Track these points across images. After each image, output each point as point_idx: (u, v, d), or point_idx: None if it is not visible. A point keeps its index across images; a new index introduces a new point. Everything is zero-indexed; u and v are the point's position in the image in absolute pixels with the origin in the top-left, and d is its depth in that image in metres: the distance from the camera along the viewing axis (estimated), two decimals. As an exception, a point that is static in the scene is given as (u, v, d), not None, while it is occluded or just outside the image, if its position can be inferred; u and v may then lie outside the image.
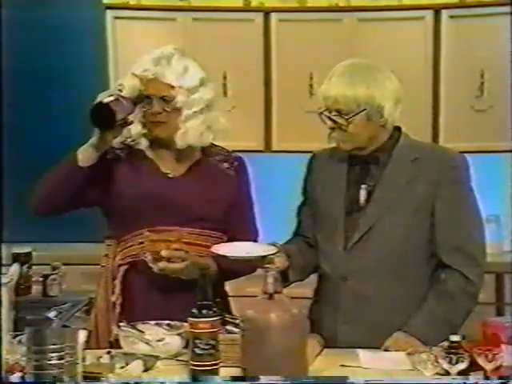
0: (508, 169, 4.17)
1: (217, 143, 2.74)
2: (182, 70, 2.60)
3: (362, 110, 2.45)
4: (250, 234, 2.72)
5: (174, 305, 2.52)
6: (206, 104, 2.63)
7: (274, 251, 2.42)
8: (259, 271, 2.27)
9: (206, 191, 2.66)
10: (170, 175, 2.68)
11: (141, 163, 2.67)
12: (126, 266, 2.64)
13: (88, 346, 2.42)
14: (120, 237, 2.65)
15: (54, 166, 2.62)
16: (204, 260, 2.56)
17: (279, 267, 2.41)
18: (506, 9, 4.05)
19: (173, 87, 2.59)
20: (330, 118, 2.49)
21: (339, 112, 2.46)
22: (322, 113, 2.50)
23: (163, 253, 2.50)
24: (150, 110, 2.60)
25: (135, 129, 2.63)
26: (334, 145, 2.57)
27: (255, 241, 2.72)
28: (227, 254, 2.45)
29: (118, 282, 2.63)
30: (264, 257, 2.39)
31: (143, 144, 2.67)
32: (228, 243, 2.56)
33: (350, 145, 2.51)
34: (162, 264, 2.50)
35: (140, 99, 2.60)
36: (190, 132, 2.61)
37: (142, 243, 2.59)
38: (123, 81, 2.65)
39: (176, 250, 2.51)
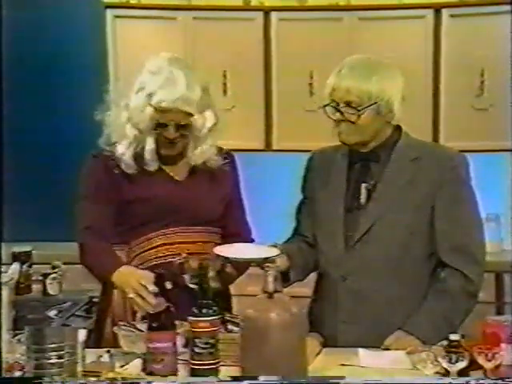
0: (508, 168, 4.16)
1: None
2: (196, 95, 2.56)
3: (373, 103, 2.45)
4: (245, 229, 2.78)
5: (185, 306, 2.47)
6: (213, 110, 2.63)
7: (276, 253, 2.43)
8: (259, 271, 2.27)
9: (211, 190, 2.68)
10: (177, 178, 2.69)
11: (148, 170, 2.66)
12: None
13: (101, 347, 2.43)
14: (130, 241, 2.66)
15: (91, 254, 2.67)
16: (230, 269, 2.55)
17: (279, 267, 2.41)
18: (507, 8, 4.04)
19: (191, 114, 2.57)
20: (338, 110, 2.47)
21: (348, 104, 2.46)
22: (327, 105, 2.49)
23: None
24: (164, 134, 2.59)
25: (149, 147, 2.61)
26: (337, 142, 2.55)
27: (250, 235, 2.77)
28: (230, 256, 2.45)
29: None
30: (266, 259, 2.38)
31: (154, 166, 2.64)
32: (229, 245, 2.56)
33: (356, 138, 2.50)
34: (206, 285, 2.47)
35: (154, 127, 2.58)
36: (207, 151, 2.63)
37: (160, 245, 2.62)
38: (128, 112, 2.60)
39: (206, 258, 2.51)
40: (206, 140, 2.62)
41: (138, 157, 2.63)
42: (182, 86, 2.54)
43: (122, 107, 2.63)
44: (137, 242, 2.65)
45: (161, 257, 2.63)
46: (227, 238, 2.69)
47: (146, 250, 2.64)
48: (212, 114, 2.62)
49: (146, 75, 2.60)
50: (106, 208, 2.64)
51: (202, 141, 2.62)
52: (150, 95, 2.56)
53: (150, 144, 2.61)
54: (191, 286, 2.47)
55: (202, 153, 2.63)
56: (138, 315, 2.56)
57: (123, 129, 2.62)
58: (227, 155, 2.76)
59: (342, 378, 2.11)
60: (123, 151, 2.62)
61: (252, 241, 2.76)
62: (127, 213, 2.65)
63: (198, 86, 2.58)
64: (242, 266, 2.56)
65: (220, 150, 2.75)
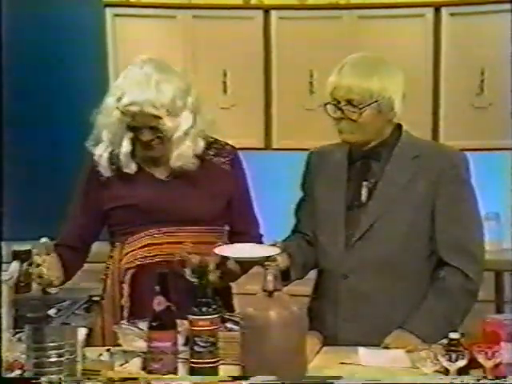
0: (508, 166, 4.16)
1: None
2: (166, 97, 2.52)
3: (374, 101, 2.45)
4: (252, 224, 2.77)
5: (184, 305, 2.45)
6: (193, 112, 2.59)
7: (277, 252, 2.42)
8: (259, 269, 2.27)
9: (199, 189, 2.66)
10: (160, 177, 2.67)
11: (132, 174, 2.66)
12: (133, 270, 2.64)
13: (93, 344, 2.43)
14: (123, 240, 2.67)
15: None
16: (233, 265, 2.55)
17: (279, 265, 2.41)
18: (507, 6, 4.05)
19: (159, 117, 2.54)
20: (339, 108, 2.46)
21: (350, 102, 2.45)
22: (328, 103, 2.48)
23: (212, 262, 2.48)
24: (139, 136, 2.57)
25: (125, 150, 2.60)
26: (337, 140, 2.55)
27: (258, 230, 2.77)
28: (231, 256, 2.45)
29: (126, 286, 2.64)
30: (267, 258, 2.38)
31: (132, 168, 2.64)
32: (230, 244, 2.57)
33: (357, 136, 2.50)
34: (212, 277, 2.47)
35: (127, 129, 2.57)
36: (184, 153, 2.60)
37: (149, 245, 2.63)
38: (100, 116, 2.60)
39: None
40: (182, 143, 2.58)
41: (116, 159, 2.64)
42: (150, 89, 2.51)
43: (100, 110, 2.62)
44: (127, 241, 2.66)
45: (147, 257, 2.63)
46: (234, 236, 2.70)
47: (134, 250, 2.65)
48: (189, 116, 2.58)
49: (119, 79, 2.60)
50: (85, 218, 2.71)
51: (177, 144, 2.58)
52: (118, 98, 2.55)
53: (125, 146, 2.60)
54: (192, 279, 2.47)
55: (178, 156, 2.60)
56: (125, 312, 2.60)
57: (100, 131, 2.63)
58: (229, 152, 2.73)
59: (341, 377, 2.11)
60: (100, 153, 2.64)
61: (260, 236, 2.77)
62: (114, 215, 2.67)
63: (172, 88, 2.54)
64: (245, 264, 2.55)
65: (222, 147, 2.73)
